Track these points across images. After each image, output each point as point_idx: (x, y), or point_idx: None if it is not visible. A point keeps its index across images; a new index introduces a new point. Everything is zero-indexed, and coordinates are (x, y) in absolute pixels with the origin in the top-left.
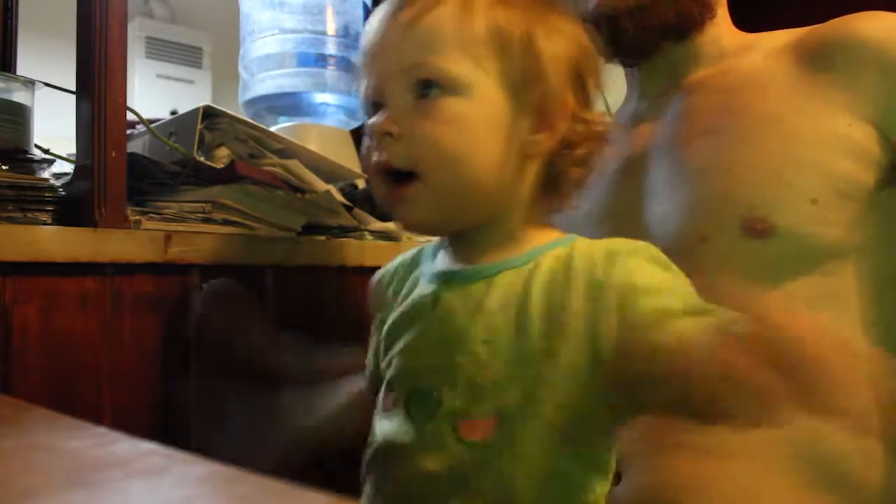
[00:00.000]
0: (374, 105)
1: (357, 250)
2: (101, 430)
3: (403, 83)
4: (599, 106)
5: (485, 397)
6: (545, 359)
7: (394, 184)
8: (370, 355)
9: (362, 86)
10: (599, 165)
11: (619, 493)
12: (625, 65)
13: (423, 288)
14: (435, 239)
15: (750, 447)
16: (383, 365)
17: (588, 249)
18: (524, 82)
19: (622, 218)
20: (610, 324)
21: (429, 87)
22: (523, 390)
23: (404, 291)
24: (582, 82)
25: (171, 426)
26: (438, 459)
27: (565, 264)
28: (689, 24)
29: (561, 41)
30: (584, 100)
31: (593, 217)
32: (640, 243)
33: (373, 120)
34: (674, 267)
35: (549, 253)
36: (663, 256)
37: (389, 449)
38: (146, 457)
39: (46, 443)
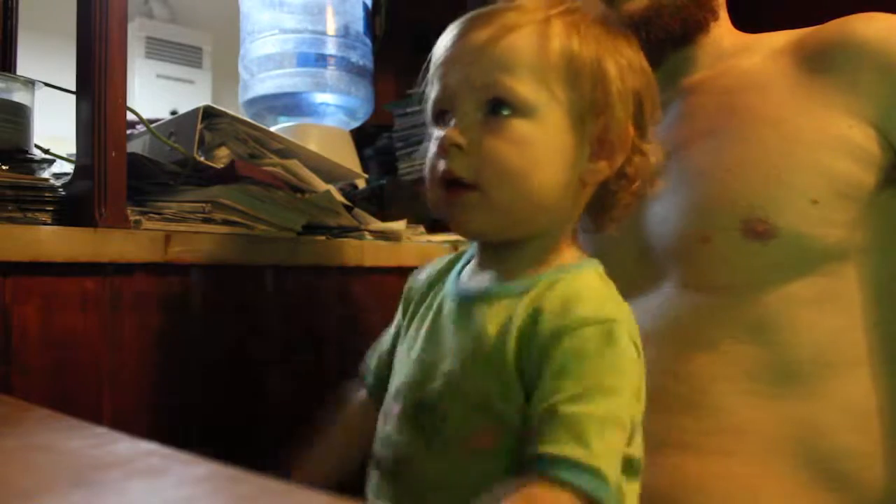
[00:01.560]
0: (440, 113)
1: (357, 250)
2: (101, 430)
3: (475, 99)
4: None
5: (488, 409)
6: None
7: (454, 191)
8: (385, 344)
9: (430, 92)
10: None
11: None
12: None
13: (445, 302)
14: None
15: (750, 447)
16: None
17: (558, 293)
18: (591, 112)
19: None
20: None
21: (499, 106)
22: (516, 403)
23: (427, 302)
24: (642, 113)
25: (171, 426)
26: (446, 468)
27: (544, 295)
28: (694, 29)
29: (629, 74)
30: (643, 130)
31: None
32: (604, 315)
33: (442, 131)
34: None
35: (546, 279)
36: (614, 332)
37: (397, 457)
38: (146, 457)
39: (46, 443)
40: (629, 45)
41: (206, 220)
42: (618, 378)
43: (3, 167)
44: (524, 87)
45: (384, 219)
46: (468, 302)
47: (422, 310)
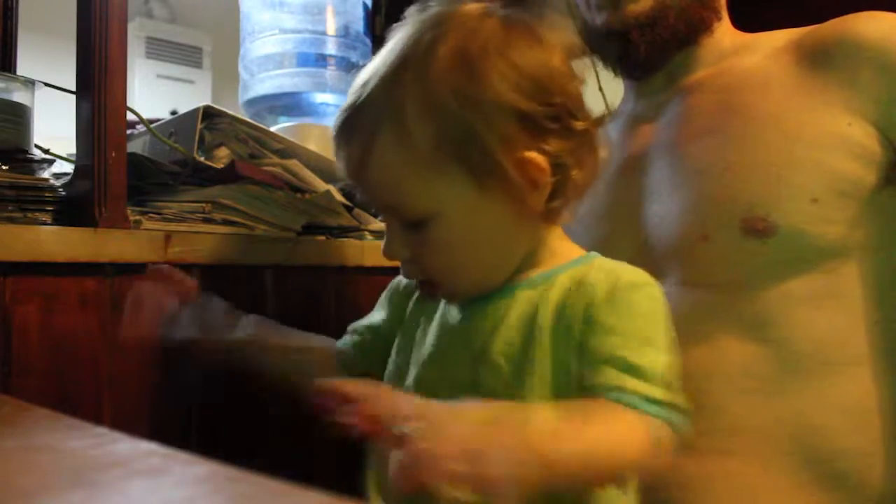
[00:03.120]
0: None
1: (357, 250)
2: (101, 430)
3: (389, 216)
4: (599, 106)
5: (510, 396)
6: (551, 364)
7: (423, 285)
8: (363, 326)
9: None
10: (601, 167)
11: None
12: (633, 78)
13: (449, 306)
14: None
15: (750, 447)
16: (390, 368)
17: (599, 275)
18: (487, 166)
19: (622, 217)
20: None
21: (411, 223)
22: (533, 391)
23: (426, 306)
24: (539, 114)
25: (171, 426)
26: None
27: (578, 282)
28: (698, 29)
29: (492, 101)
30: (556, 119)
31: (593, 216)
32: (643, 278)
33: (384, 245)
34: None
35: (566, 272)
36: (657, 294)
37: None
38: (146, 457)
39: (46, 443)
40: (495, 52)
41: (206, 220)
42: (665, 334)
43: (3, 167)
44: (417, 201)
45: None
46: (481, 299)
47: (420, 308)
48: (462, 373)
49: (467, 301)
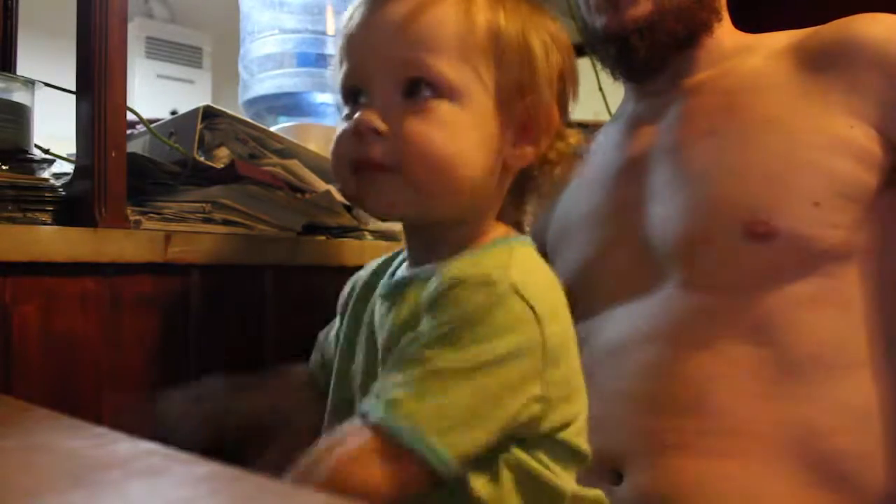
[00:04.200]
0: (352, 91)
1: (357, 250)
2: (101, 430)
3: (392, 78)
4: (599, 106)
5: None
6: None
7: (369, 173)
8: (322, 342)
9: (340, 69)
10: (577, 176)
11: (619, 494)
12: (633, 81)
13: (376, 299)
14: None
15: (750, 448)
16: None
17: (453, 270)
18: (517, 94)
19: (623, 220)
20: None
21: (420, 87)
22: None
23: (361, 297)
24: (566, 94)
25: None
26: None
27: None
28: (698, 31)
29: (555, 54)
30: (566, 112)
31: (594, 218)
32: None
33: (359, 114)
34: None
35: (458, 261)
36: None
37: None
38: (146, 457)
39: (46, 443)
40: (552, 20)
41: (206, 220)
42: (484, 333)
43: (3, 167)
44: (448, 67)
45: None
46: (390, 294)
47: (358, 312)
48: (361, 375)
49: (389, 288)
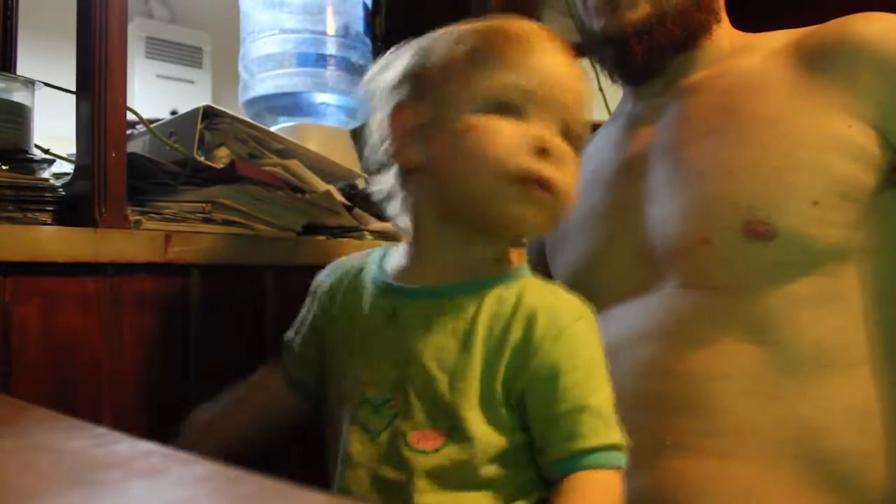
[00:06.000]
0: (507, 106)
1: (357, 250)
2: (101, 430)
3: (558, 121)
4: (599, 106)
5: (434, 409)
6: (480, 376)
7: (542, 191)
8: (294, 338)
9: (509, 86)
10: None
11: None
12: (631, 84)
13: (378, 300)
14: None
15: (750, 447)
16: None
17: (534, 298)
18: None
19: (622, 219)
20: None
21: (568, 135)
22: (465, 399)
23: (351, 303)
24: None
25: (171, 426)
26: (393, 467)
27: (512, 303)
28: (697, 32)
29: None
30: None
31: (593, 218)
32: (581, 310)
33: (557, 141)
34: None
35: (498, 286)
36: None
37: (345, 457)
38: (146, 457)
39: (46, 443)
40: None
41: (206, 220)
42: (598, 361)
43: (3, 167)
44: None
45: (384, 219)
46: (418, 304)
47: (346, 314)
48: (392, 373)
49: (397, 297)
